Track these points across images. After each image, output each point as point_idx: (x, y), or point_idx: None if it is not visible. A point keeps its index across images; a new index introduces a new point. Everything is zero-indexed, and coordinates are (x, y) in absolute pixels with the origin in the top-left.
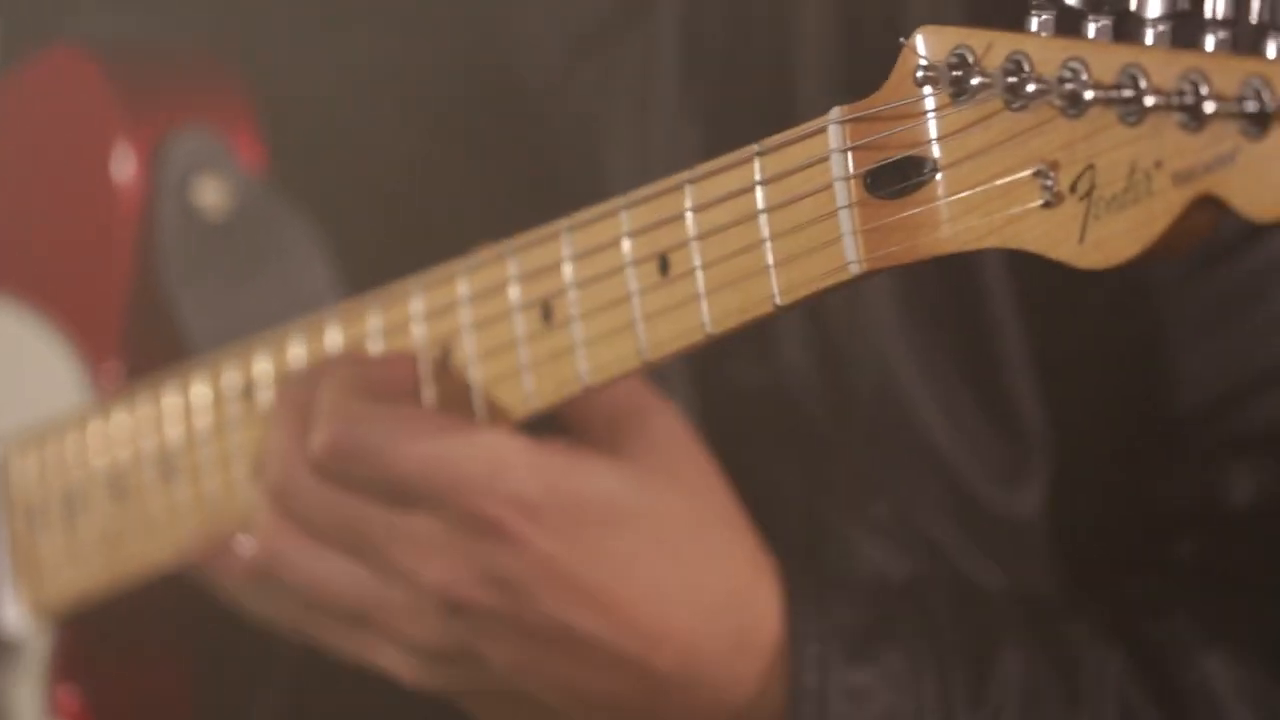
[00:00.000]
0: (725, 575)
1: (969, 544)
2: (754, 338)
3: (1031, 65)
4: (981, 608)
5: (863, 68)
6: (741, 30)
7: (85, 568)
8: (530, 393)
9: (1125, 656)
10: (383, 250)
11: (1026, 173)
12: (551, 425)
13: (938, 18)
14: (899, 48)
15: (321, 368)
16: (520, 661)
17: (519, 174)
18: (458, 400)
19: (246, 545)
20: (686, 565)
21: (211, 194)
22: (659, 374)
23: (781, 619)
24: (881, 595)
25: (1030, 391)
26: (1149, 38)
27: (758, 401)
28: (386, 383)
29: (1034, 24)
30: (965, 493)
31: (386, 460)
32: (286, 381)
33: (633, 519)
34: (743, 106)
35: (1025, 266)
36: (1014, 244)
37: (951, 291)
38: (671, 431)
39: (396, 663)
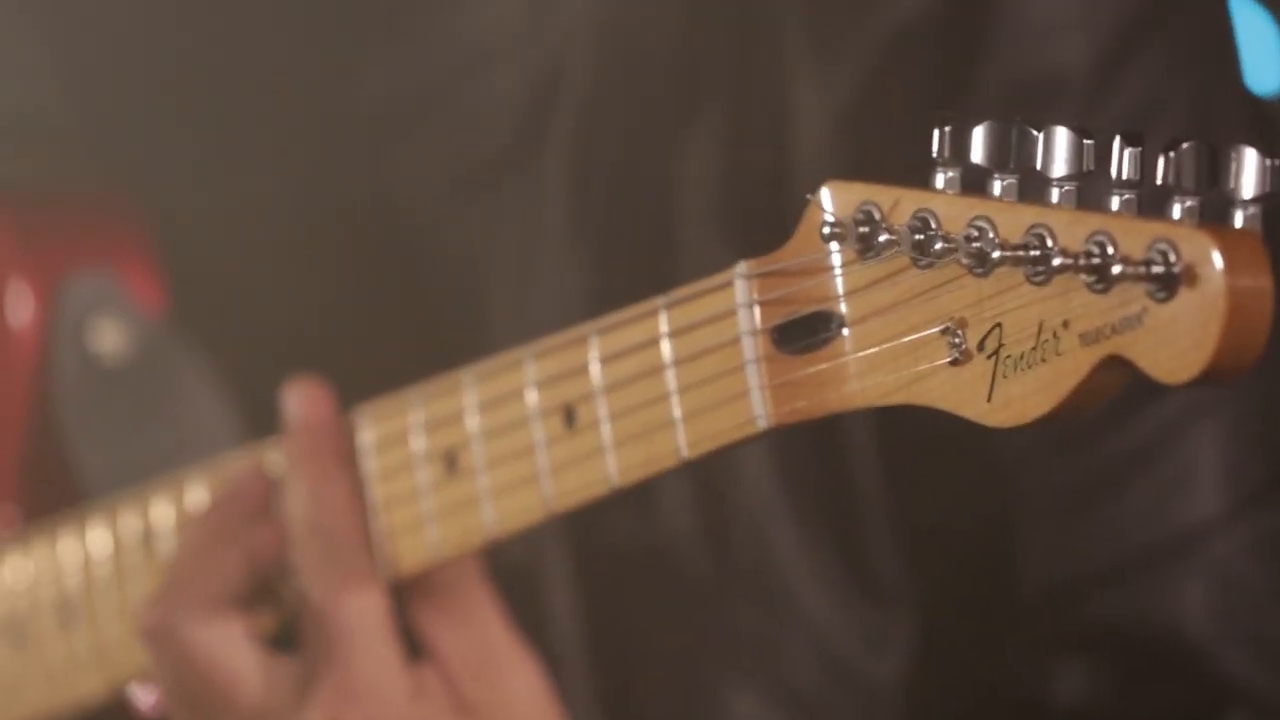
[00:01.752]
0: None
1: (838, 707)
2: (631, 493)
3: (938, 223)
4: None
5: (750, 209)
6: (628, 174)
7: None
8: (435, 543)
9: None
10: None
11: (934, 330)
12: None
13: (820, 169)
14: (789, 194)
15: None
16: None
17: (406, 314)
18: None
19: (144, 695)
20: None
21: (109, 336)
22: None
23: None
24: None
25: (894, 560)
26: (1055, 197)
27: (634, 558)
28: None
29: (940, 180)
30: (835, 655)
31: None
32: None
33: None
34: (629, 250)
35: (891, 431)
36: (922, 401)
37: (821, 455)
38: (532, 695)
39: None
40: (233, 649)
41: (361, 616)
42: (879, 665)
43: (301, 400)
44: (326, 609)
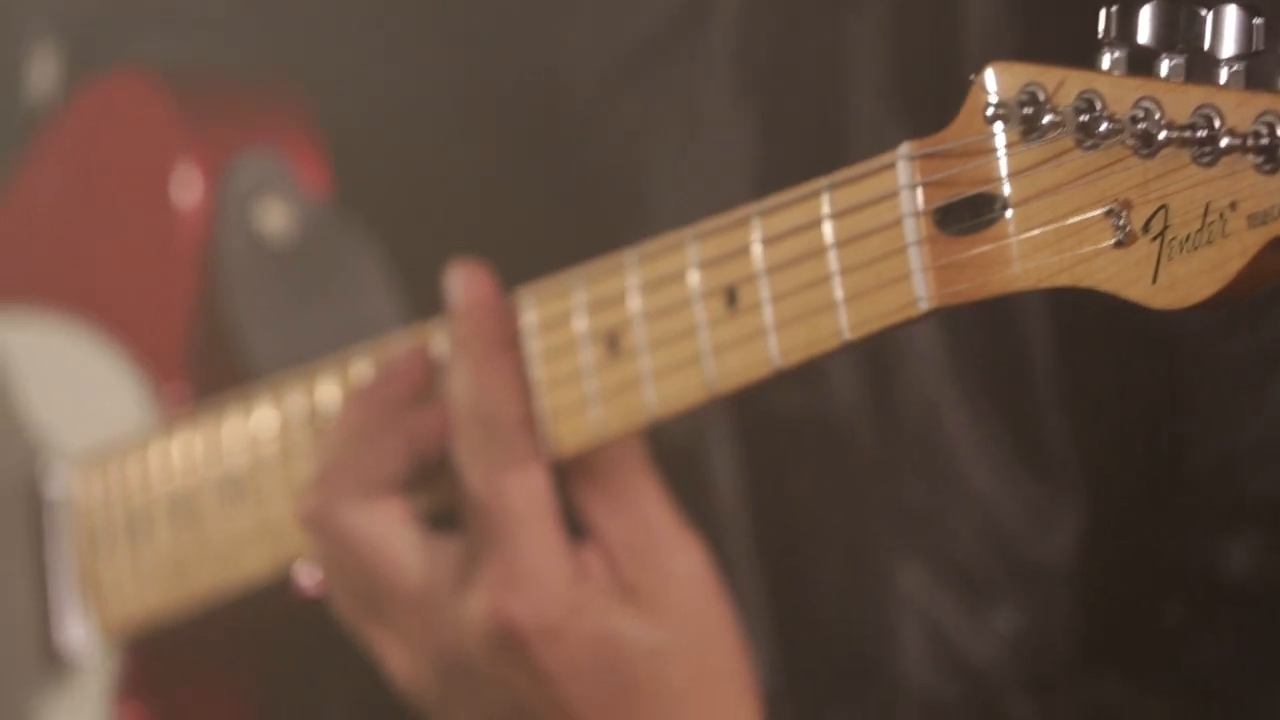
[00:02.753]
0: None
1: (1003, 583)
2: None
3: (1104, 104)
4: None
5: (916, 88)
6: (792, 53)
7: (149, 590)
8: (597, 424)
9: None
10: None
11: (1098, 212)
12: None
13: (986, 49)
14: (956, 74)
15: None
16: None
17: (568, 195)
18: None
19: (307, 574)
20: (681, 714)
21: (275, 217)
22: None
23: None
24: None
25: (1061, 437)
26: (1223, 77)
27: (800, 432)
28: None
29: (1105, 61)
30: (1001, 531)
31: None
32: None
33: (640, 659)
34: (794, 126)
35: (1060, 309)
36: (1086, 283)
37: (990, 331)
38: (695, 575)
39: (401, 668)
40: (393, 534)
41: (524, 499)
42: (1046, 542)
43: (464, 282)
44: (489, 492)
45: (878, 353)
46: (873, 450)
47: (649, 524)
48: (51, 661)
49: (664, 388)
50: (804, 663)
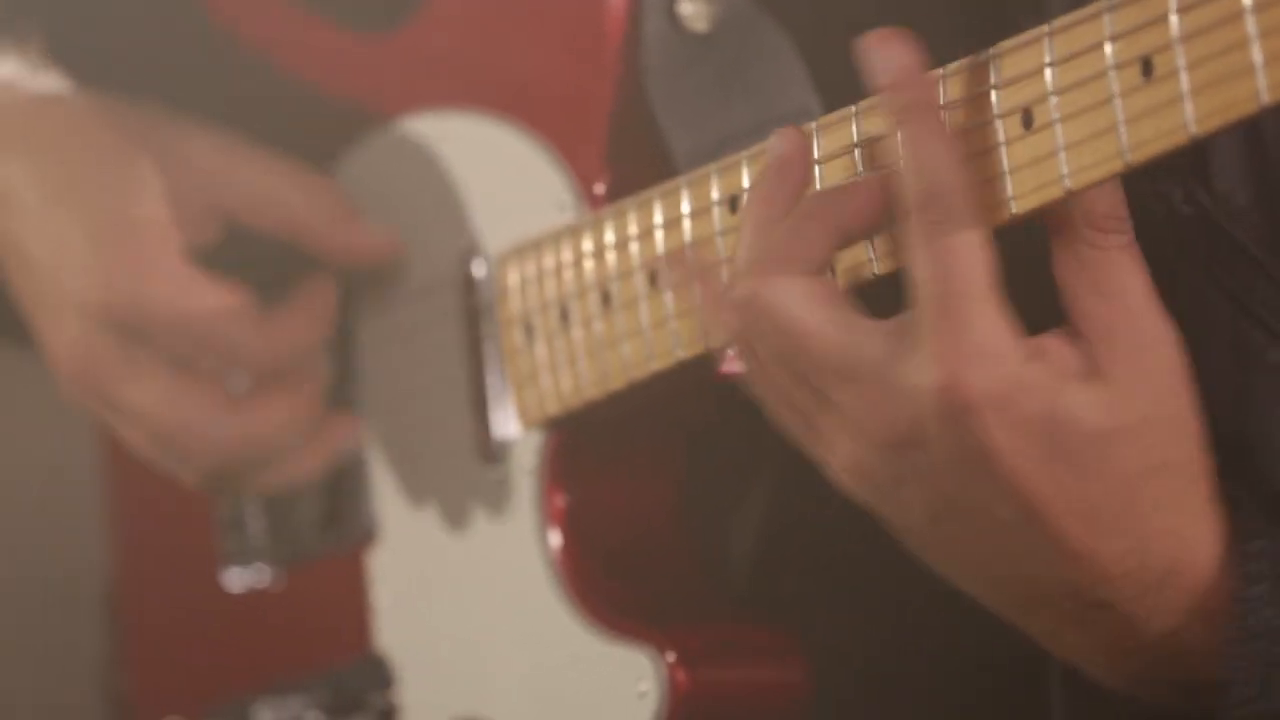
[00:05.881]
0: (1170, 514)
1: None
2: (1183, 165)
3: None
4: None
5: None
6: None
7: (577, 377)
8: (1010, 197)
9: None
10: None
11: None
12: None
13: None
14: None
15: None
16: (930, 516)
17: None
18: None
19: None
20: (1129, 499)
21: (696, 2)
22: None
23: (1219, 561)
24: None
25: None
26: None
27: (1184, 227)
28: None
29: None
30: None
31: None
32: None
33: (1093, 442)
34: None
35: None
36: None
37: None
38: (1169, 367)
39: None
40: (831, 314)
41: (972, 271)
42: None
43: (891, 54)
44: (937, 264)
45: None
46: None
47: (1132, 311)
48: (484, 446)
49: (1078, 159)
50: None
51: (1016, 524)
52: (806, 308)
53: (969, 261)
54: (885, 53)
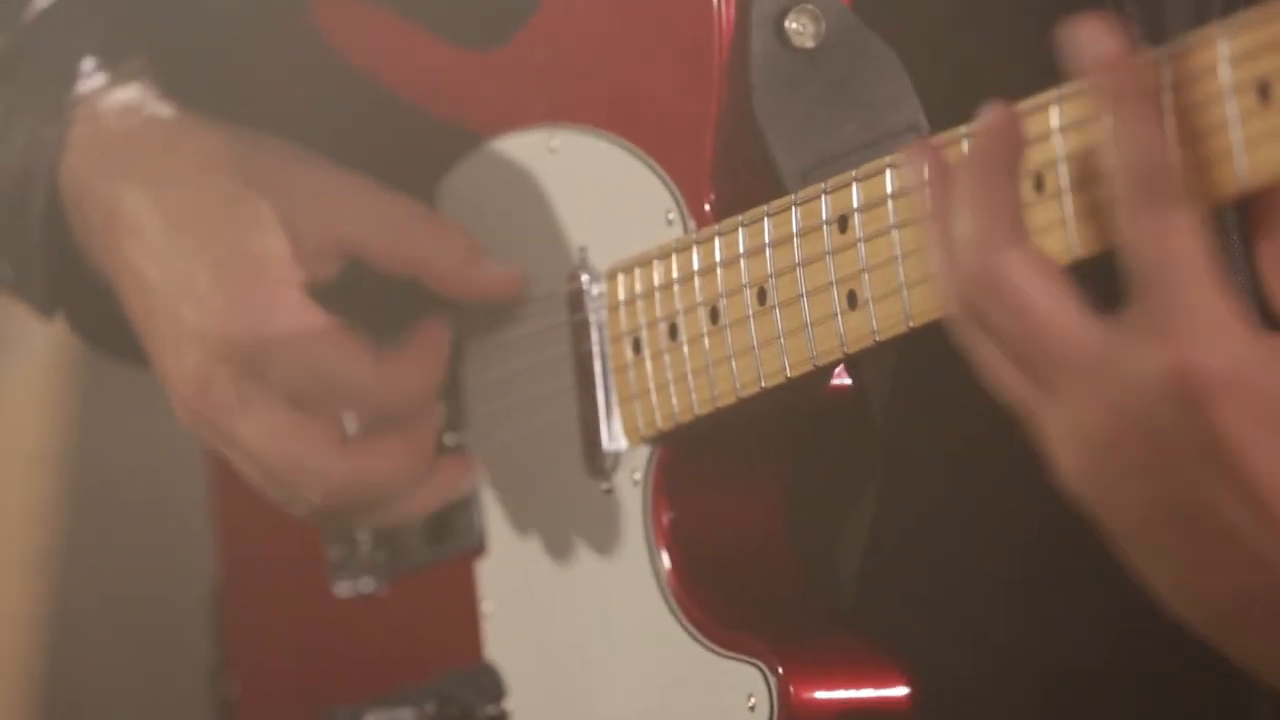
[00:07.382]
0: None
1: None
2: None
3: None
4: None
5: None
6: None
7: (687, 394)
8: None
9: None
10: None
11: None
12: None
13: None
14: None
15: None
16: (1146, 520)
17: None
18: None
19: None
20: None
21: (804, 21)
22: None
23: None
24: None
25: None
26: None
27: None
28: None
29: None
30: None
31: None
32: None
33: None
34: None
35: None
36: None
37: None
38: None
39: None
40: (1059, 295)
41: (1191, 249)
42: None
43: (1095, 37)
44: (1155, 245)
45: None
46: None
47: None
48: (592, 460)
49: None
50: None
51: (1247, 529)
52: (1037, 286)
53: (1189, 242)
54: (1091, 38)
